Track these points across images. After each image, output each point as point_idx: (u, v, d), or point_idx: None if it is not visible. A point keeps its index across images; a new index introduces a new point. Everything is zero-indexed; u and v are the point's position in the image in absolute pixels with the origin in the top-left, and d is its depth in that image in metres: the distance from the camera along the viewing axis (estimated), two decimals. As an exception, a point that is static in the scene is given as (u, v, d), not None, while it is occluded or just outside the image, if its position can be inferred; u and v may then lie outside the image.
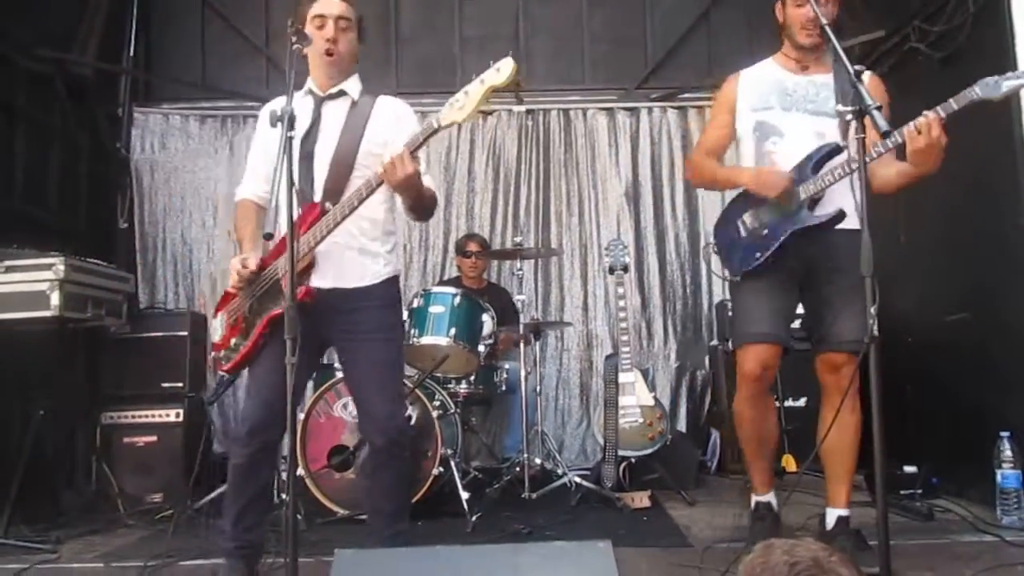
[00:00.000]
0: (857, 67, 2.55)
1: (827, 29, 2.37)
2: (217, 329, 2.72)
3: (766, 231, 2.75)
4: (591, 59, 5.74)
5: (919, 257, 4.09)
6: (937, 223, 3.91)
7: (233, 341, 2.62)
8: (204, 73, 5.63)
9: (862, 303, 2.05)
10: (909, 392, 4.11)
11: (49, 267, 3.56)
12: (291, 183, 2.10)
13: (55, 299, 3.53)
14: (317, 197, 2.53)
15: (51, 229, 4.45)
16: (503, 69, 2.26)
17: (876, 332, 2.03)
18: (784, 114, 2.82)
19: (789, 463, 4.24)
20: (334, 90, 2.66)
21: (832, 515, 2.82)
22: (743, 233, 2.84)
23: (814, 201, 2.68)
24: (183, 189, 5.49)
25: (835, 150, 2.66)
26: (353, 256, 2.59)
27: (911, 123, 2.37)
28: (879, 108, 2.10)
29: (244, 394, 3.90)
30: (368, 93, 2.72)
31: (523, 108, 5.61)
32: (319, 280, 2.53)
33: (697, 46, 5.50)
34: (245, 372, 2.71)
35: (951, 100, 2.35)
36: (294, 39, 2.31)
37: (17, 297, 3.52)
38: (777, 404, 4.29)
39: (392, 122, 2.67)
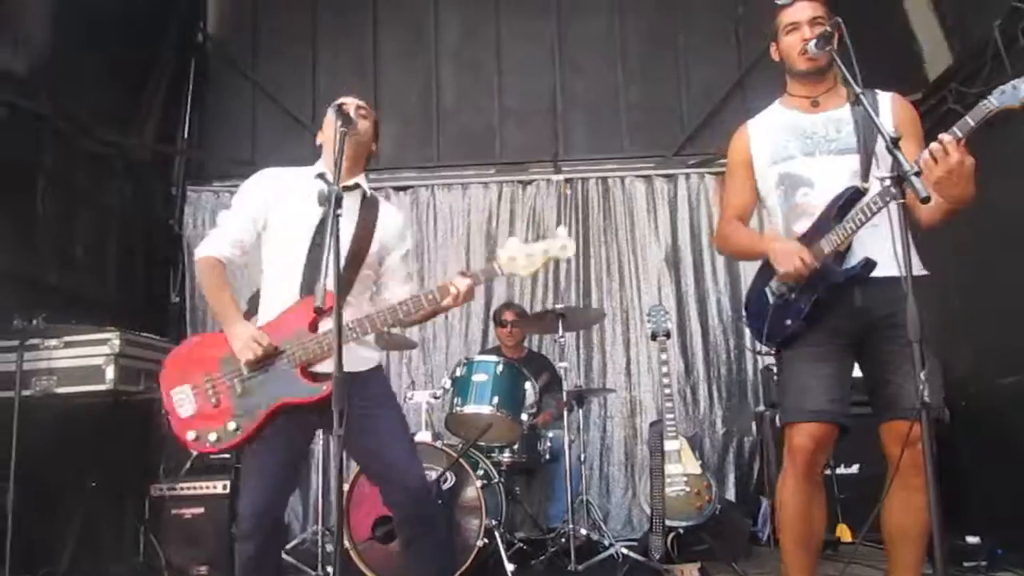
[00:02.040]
0: (878, 92, 2.40)
1: (841, 24, 2.27)
2: (186, 404, 2.53)
3: (794, 295, 2.49)
4: (628, 128, 5.85)
5: (971, 320, 4.01)
6: (988, 285, 3.85)
7: (231, 425, 2.49)
8: (253, 150, 5.85)
9: (931, 362, 1.89)
10: (966, 458, 3.98)
11: (105, 342, 3.68)
12: (337, 262, 2.16)
13: (110, 373, 3.63)
14: (330, 286, 2.44)
15: (107, 304, 4.62)
16: (567, 248, 2.50)
17: (927, 398, 1.95)
18: (808, 160, 2.52)
19: (844, 533, 4.10)
20: (350, 182, 2.68)
21: None
22: (771, 300, 2.58)
23: (839, 254, 2.42)
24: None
25: (856, 194, 2.41)
26: (354, 347, 2.58)
27: (925, 152, 2.15)
28: (918, 174, 2.01)
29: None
30: (373, 194, 2.79)
31: (561, 177, 5.71)
32: (323, 368, 2.51)
33: (733, 111, 5.54)
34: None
35: (966, 116, 2.13)
36: (339, 122, 2.41)
37: (75, 371, 3.64)
38: (828, 472, 4.19)
39: (397, 232, 2.78)
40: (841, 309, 2.43)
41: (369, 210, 2.70)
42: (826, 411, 2.42)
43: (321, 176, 2.67)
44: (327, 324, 2.44)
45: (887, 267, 2.30)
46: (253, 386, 2.50)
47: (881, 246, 2.34)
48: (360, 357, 2.63)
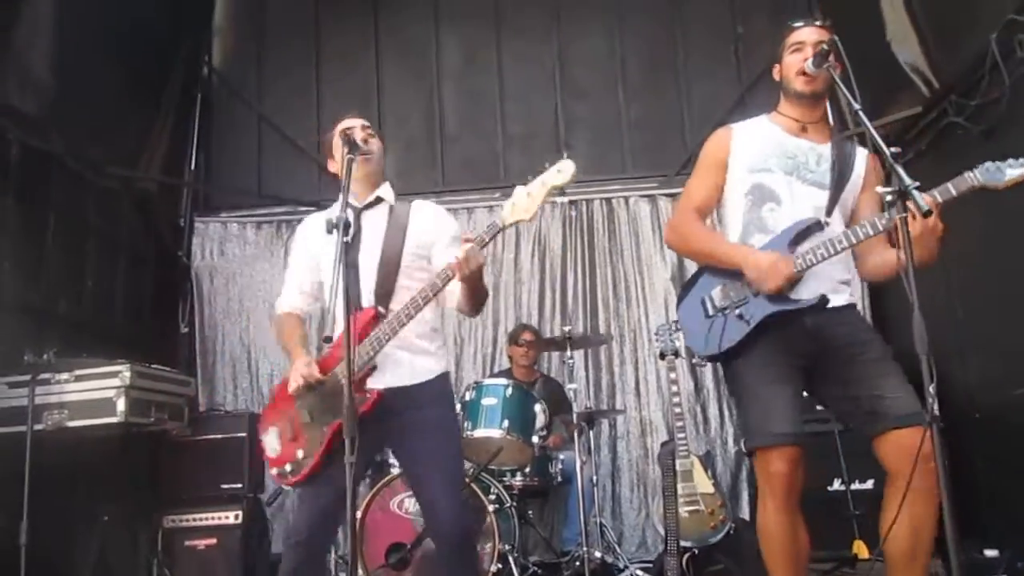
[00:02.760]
0: (857, 143, 2.48)
1: (838, 43, 2.30)
2: (272, 444, 2.65)
3: (738, 311, 2.46)
4: (630, 148, 5.89)
5: (980, 331, 3.99)
6: (996, 296, 3.83)
7: (300, 453, 2.56)
8: (260, 182, 5.91)
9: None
10: (981, 470, 3.95)
11: (116, 374, 3.70)
12: (348, 288, 2.18)
13: (121, 405, 3.65)
14: (366, 303, 2.58)
15: (117, 336, 4.65)
16: (564, 170, 2.37)
17: (937, 411, 1.94)
18: (785, 179, 2.52)
19: (861, 549, 4.05)
20: (371, 198, 2.73)
21: None
22: (710, 311, 2.53)
23: (792, 282, 2.40)
24: (241, 293, 5.69)
25: (814, 226, 2.44)
26: (405, 356, 2.61)
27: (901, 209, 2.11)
28: (919, 187, 2.01)
29: (296, 501, 3.77)
30: (402, 199, 2.81)
31: (566, 199, 5.72)
32: (374, 382, 2.55)
33: (735, 130, 5.60)
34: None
35: (949, 184, 2.19)
36: (346, 149, 2.44)
37: (86, 404, 3.66)
38: (843, 487, 4.16)
39: (432, 225, 2.76)
40: (791, 331, 2.43)
41: (397, 218, 2.71)
42: (794, 433, 2.39)
43: (348, 204, 2.70)
44: (365, 343, 2.48)
45: (836, 299, 2.42)
46: (317, 414, 2.56)
47: (833, 278, 2.43)
48: (413, 368, 2.62)
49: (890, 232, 2.27)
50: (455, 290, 2.58)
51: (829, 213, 2.46)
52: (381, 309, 2.54)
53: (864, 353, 2.37)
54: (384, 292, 2.59)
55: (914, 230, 2.08)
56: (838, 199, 2.50)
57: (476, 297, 2.61)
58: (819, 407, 3.58)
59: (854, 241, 2.35)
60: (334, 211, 2.74)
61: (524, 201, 2.39)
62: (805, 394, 2.53)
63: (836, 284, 2.46)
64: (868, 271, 2.53)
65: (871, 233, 2.31)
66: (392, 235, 2.68)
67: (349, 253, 2.56)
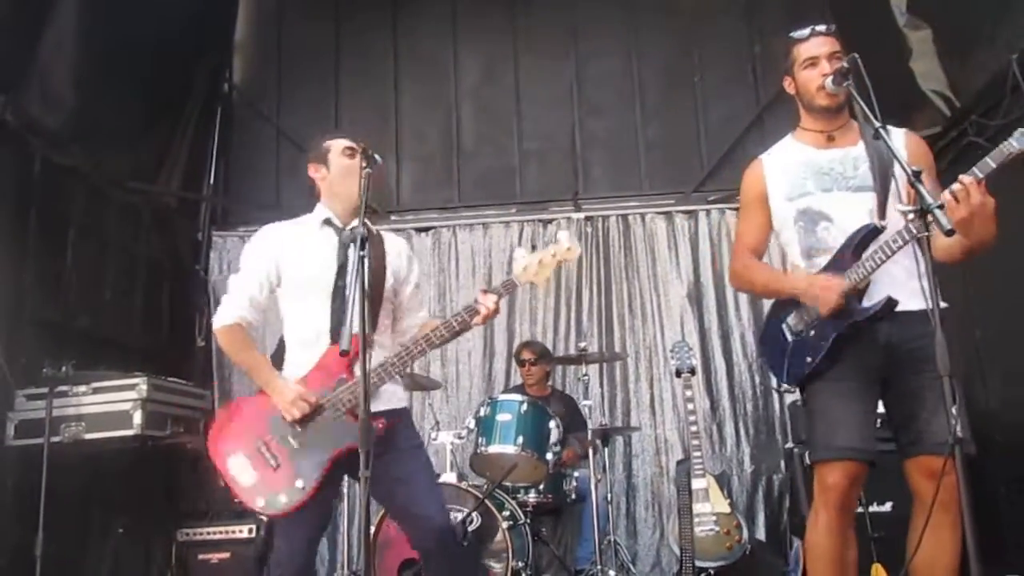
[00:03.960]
0: (891, 128, 2.33)
1: (858, 61, 2.28)
2: (242, 473, 2.50)
3: (813, 332, 2.46)
4: (647, 165, 5.88)
5: (998, 352, 3.94)
6: (1015, 317, 3.79)
7: (298, 483, 2.47)
8: (278, 196, 5.96)
9: (959, 396, 1.85)
10: (1002, 494, 3.89)
11: (132, 387, 3.73)
12: (364, 304, 2.19)
13: (137, 418, 3.67)
14: (356, 329, 2.48)
15: (134, 349, 4.68)
16: (573, 249, 2.55)
17: (960, 433, 1.92)
18: (826, 196, 2.50)
19: (880, 573, 3.99)
20: (354, 223, 2.64)
21: None
22: (789, 337, 2.53)
23: (860, 291, 2.38)
24: (256, 306, 5.69)
25: (873, 231, 2.40)
26: (386, 385, 2.61)
27: (946, 192, 2.15)
28: (941, 207, 2.00)
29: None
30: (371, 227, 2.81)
31: (582, 215, 5.73)
32: (374, 407, 2.48)
33: (752, 147, 5.50)
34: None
35: (987, 158, 2.15)
36: (364, 164, 2.46)
37: (103, 417, 3.69)
38: (861, 509, 4.11)
39: (405, 263, 2.83)
40: (864, 345, 2.40)
41: (377, 246, 2.72)
42: (859, 448, 2.37)
43: (327, 222, 2.71)
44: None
45: (909, 302, 2.31)
46: (309, 440, 2.49)
47: (902, 281, 2.36)
48: (395, 395, 2.69)
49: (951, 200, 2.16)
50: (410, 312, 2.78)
51: (883, 214, 2.41)
52: (376, 337, 2.58)
53: (930, 370, 2.15)
54: (371, 320, 2.55)
55: (962, 213, 2.10)
56: (888, 195, 2.43)
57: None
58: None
59: (902, 243, 2.28)
60: (301, 222, 2.77)
61: (535, 268, 2.52)
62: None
63: (907, 286, 2.34)
64: (941, 256, 2.38)
65: (913, 220, 2.17)
66: (375, 263, 2.64)
67: (340, 278, 2.59)
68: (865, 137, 2.52)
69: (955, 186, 2.13)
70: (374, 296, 2.61)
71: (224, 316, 2.62)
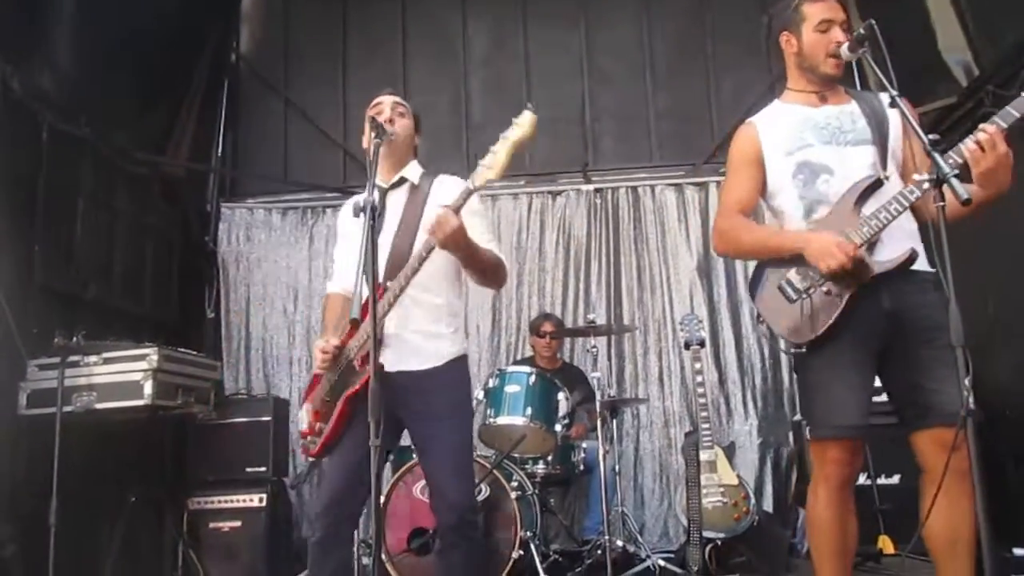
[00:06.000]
0: (880, 94, 2.35)
1: (875, 27, 2.20)
2: (303, 417, 2.74)
3: (825, 288, 2.31)
4: (657, 137, 5.83)
5: (1010, 325, 3.92)
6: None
7: (319, 426, 2.64)
8: (286, 168, 5.94)
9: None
10: (1011, 467, 3.88)
11: (143, 357, 3.73)
12: (373, 271, 2.17)
13: (148, 388, 3.68)
14: (382, 280, 2.52)
15: (144, 320, 4.70)
16: (522, 122, 2.44)
17: (972, 405, 1.91)
18: (826, 148, 2.42)
19: (886, 544, 4.01)
20: (396, 179, 2.73)
21: None
22: (792, 295, 2.37)
23: (871, 245, 2.28)
24: (265, 278, 5.71)
25: (875, 184, 2.33)
26: (417, 340, 2.60)
27: (969, 140, 2.08)
28: (957, 175, 1.97)
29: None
30: (428, 175, 2.77)
31: (591, 187, 5.70)
32: (384, 362, 2.47)
33: (763, 119, 5.54)
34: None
35: (1008, 107, 2.09)
36: (374, 133, 2.43)
37: (114, 387, 3.70)
38: (868, 481, 4.11)
39: (452, 195, 2.67)
40: (867, 310, 2.31)
41: (418, 194, 2.69)
42: (859, 426, 2.33)
43: (376, 186, 2.69)
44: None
45: (925, 262, 2.28)
46: (335, 387, 2.62)
47: (903, 239, 2.31)
48: (422, 352, 2.60)
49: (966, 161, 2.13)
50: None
51: (885, 166, 2.36)
52: (389, 283, 2.50)
53: (940, 339, 2.12)
54: (395, 267, 2.52)
55: (989, 163, 2.08)
56: (887, 149, 2.39)
57: (474, 267, 2.61)
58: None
59: (919, 193, 2.20)
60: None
61: (488, 160, 2.42)
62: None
63: (909, 244, 2.29)
64: (951, 215, 2.18)
65: (928, 187, 2.12)
66: (410, 211, 2.66)
67: (375, 234, 2.58)
68: (853, 94, 2.50)
69: (980, 135, 2.07)
70: (399, 245, 2.58)
71: (327, 287, 2.93)
